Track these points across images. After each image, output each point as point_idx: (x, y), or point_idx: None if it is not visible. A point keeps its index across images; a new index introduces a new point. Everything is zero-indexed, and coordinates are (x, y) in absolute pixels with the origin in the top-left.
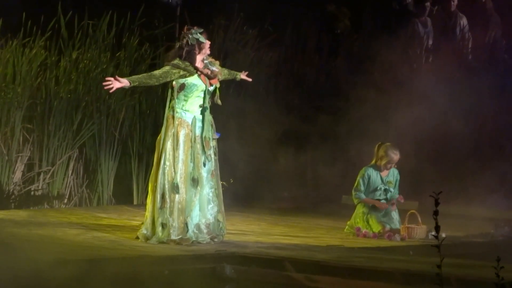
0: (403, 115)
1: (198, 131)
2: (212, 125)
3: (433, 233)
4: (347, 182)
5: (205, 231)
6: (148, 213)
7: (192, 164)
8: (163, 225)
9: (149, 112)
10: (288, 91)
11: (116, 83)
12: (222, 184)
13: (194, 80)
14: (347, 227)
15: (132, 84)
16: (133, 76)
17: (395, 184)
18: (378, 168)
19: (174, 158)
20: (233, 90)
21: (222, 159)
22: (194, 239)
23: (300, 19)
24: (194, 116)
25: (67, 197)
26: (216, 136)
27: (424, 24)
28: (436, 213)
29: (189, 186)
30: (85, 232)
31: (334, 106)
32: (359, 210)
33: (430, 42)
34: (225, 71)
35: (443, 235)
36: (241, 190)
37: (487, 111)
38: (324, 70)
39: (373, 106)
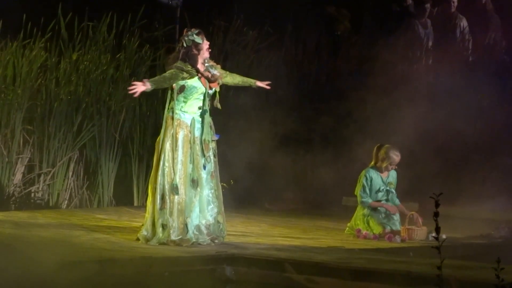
0: (403, 116)
1: (197, 133)
2: (211, 127)
3: (434, 234)
4: (347, 183)
5: (205, 232)
6: (148, 215)
7: (191, 165)
8: (164, 226)
9: (150, 113)
10: (288, 93)
11: (141, 87)
12: (222, 185)
13: (194, 82)
14: (347, 228)
15: (151, 87)
16: (152, 79)
17: (395, 185)
18: (378, 170)
19: (173, 159)
20: (233, 92)
21: (222, 161)
22: (194, 240)
23: (300, 21)
24: (193, 118)
25: (67, 198)
26: (216, 137)
27: (424, 25)
28: (436, 214)
29: (189, 187)
30: (86, 233)
31: (334, 107)
32: (360, 211)
33: (430, 43)
34: (238, 78)
35: (444, 236)
36: (241, 192)
37: (487, 112)
38: (324, 72)
39: (373, 107)
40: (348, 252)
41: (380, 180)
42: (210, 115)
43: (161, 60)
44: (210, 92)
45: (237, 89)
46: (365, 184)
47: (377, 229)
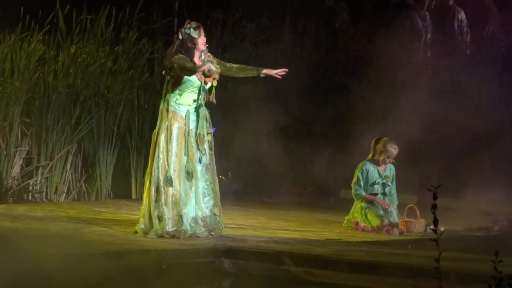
0: (401, 108)
1: (192, 125)
2: (207, 120)
3: (432, 227)
4: (345, 176)
5: (201, 224)
6: (145, 207)
7: (185, 157)
8: (159, 218)
9: (148, 106)
10: (286, 85)
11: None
12: (220, 178)
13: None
14: (345, 221)
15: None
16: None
17: (392, 179)
18: (375, 163)
19: (168, 151)
20: (232, 85)
21: (220, 153)
22: (191, 232)
23: (298, 14)
24: (188, 110)
25: (65, 191)
26: (211, 130)
27: (422, 18)
28: (434, 207)
29: (183, 179)
30: (84, 226)
31: (332, 100)
32: (358, 204)
33: (429, 36)
34: (241, 70)
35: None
36: (239, 184)
37: (485, 105)
38: (323, 64)
39: (371, 100)
40: (347, 244)
41: (376, 173)
42: (208, 108)
43: (160, 53)
44: (206, 86)
45: (235, 81)
46: (360, 177)
47: (375, 222)
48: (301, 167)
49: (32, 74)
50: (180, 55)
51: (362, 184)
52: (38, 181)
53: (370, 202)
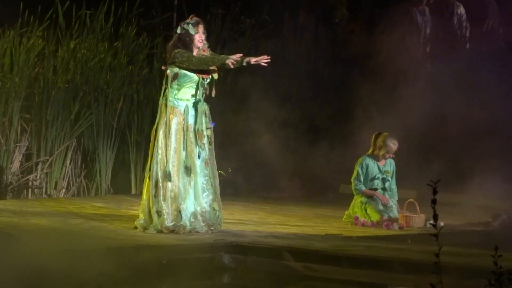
0: (401, 103)
1: (190, 120)
2: (206, 115)
3: (431, 221)
4: (345, 171)
5: (200, 219)
6: (144, 202)
7: (184, 152)
8: (158, 213)
9: (147, 101)
10: (285, 81)
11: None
12: (220, 173)
13: (187, 70)
14: (345, 216)
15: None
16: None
17: (392, 174)
18: (375, 158)
19: (166, 146)
20: (231, 79)
21: (219, 149)
22: (190, 227)
23: (298, 8)
24: (187, 105)
25: (65, 187)
26: (211, 125)
27: (422, 12)
28: (434, 201)
29: (182, 174)
30: (84, 222)
31: (332, 95)
32: (357, 199)
33: (428, 30)
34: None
35: (441, 223)
36: (239, 180)
37: (485, 99)
38: (322, 59)
39: (370, 95)
40: (346, 239)
41: (376, 168)
42: (207, 103)
43: (159, 48)
44: (204, 81)
45: (235, 75)
46: (360, 172)
47: (375, 217)
48: (300, 162)
49: (32, 70)
50: (180, 49)
51: (362, 179)
52: (38, 177)
53: (370, 197)
